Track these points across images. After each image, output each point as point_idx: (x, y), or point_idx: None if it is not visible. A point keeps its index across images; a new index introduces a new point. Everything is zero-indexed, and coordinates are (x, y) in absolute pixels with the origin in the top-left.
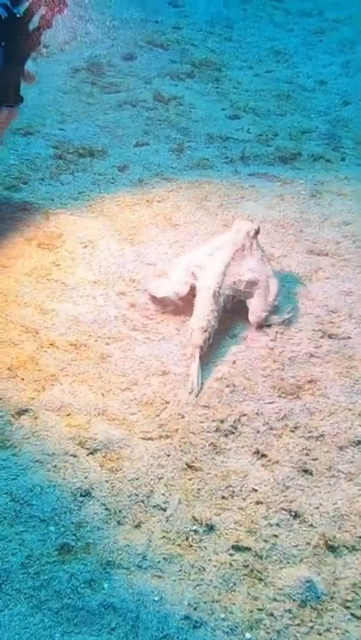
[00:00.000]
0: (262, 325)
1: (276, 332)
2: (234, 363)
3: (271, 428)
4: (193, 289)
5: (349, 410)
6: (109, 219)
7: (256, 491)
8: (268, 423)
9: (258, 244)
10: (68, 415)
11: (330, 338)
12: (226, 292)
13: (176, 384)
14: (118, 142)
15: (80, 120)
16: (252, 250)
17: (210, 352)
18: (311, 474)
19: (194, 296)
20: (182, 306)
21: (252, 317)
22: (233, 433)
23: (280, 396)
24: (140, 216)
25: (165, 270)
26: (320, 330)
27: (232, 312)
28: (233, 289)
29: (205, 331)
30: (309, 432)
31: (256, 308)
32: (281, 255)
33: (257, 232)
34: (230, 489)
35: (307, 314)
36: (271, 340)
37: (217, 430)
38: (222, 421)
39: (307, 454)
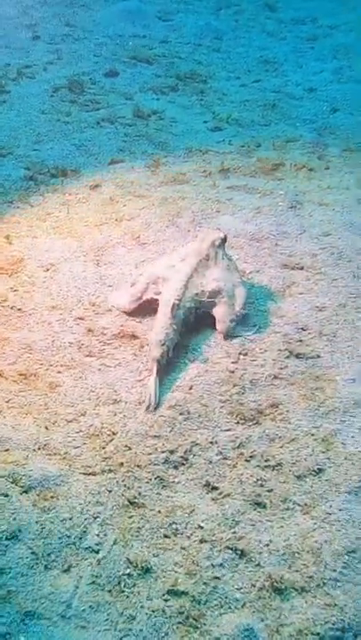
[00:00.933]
0: (231, 335)
1: (240, 354)
2: (190, 388)
3: (225, 458)
4: (152, 302)
5: (312, 435)
6: (76, 240)
7: (202, 527)
8: (221, 452)
9: (225, 253)
10: (6, 451)
11: (297, 358)
12: (187, 304)
13: (127, 413)
14: (93, 161)
15: (55, 140)
16: (217, 259)
17: (166, 376)
18: (264, 507)
19: (156, 309)
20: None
21: (220, 326)
22: (183, 464)
23: (238, 423)
24: (107, 236)
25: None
26: (287, 349)
27: (194, 330)
28: (195, 300)
29: (163, 344)
30: (266, 461)
31: (223, 316)
32: (253, 271)
33: (223, 240)
34: (174, 526)
35: (274, 332)
36: (233, 363)
37: (166, 462)
38: (172, 452)
39: (261, 485)
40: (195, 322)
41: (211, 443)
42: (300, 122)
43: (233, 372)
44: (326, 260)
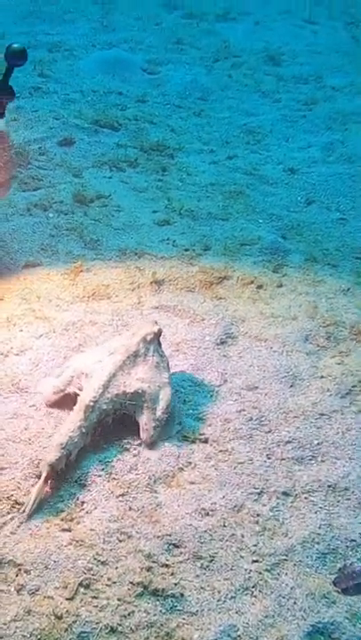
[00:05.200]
0: (153, 443)
1: (80, 585)
2: None
3: None
4: (74, 397)
5: None
6: None
7: None
8: None
9: (157, 349)
10: None
11: (153, 595)
12: (104, 406)
13: None
14: (7, 261)
15: None
16: (146, 356)
17: None
18: None
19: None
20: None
21: (143, 435)
22: None
23: None
24: None
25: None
26: (142, 582)
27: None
28: (115, 402)
29: (63, 448)
30: None
31: (146, 424)
32: (138, 453)
33: (157, 335)
34: None
35: (136, 551)
36: (67, 599)
37: None
38: None
39: None
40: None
41: None
42: (265, 217)
43: (61, 617)
44: (240, 428)
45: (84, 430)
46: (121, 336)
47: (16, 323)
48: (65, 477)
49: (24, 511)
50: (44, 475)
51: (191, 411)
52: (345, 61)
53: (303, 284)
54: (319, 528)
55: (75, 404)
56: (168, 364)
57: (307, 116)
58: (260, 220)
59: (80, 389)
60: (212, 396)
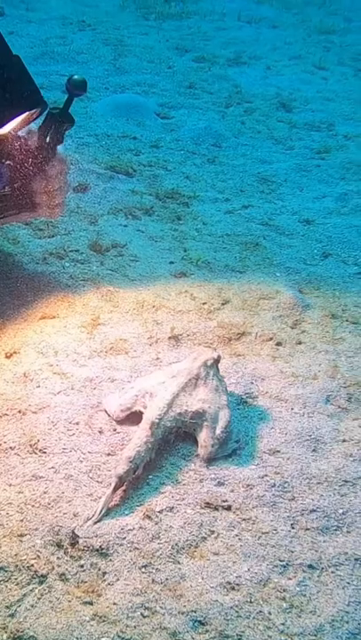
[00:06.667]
0: (211, 459)
1: None
2: None
3: None
4: (139, 415)
5: None
6: None
7: None
8: None
9: (216, 373)
10: None
11: None
12: (168, 423)
13: None
14: (23, 312)
15: None
16: (207, 379)
17: None
18: None
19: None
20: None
21: (202, 451)
22: None
23: None
24: (1, 437)
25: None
26: None
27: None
28: (178, 420)
29: (131, 461)
30: None
31: (205, 441)
32: (165, 508)
33: (216, 360)
34: None
35: (160, 628)
36: None
37: None
38: None
39: None
40: (175, 441)
41: None
42: (282, 270)
43: None
44: (263, 495)
45: (150, 445)
46: (183, 361)
47: (33, 378)
48: (85, 545)
49: (91, 517)
50: (112, 485)
51: (213, 475)
52: (356, 109)
53: (323, 342)
54: (348, 605)
55: (139, 422)
56: (226, 388)
57: (320, 166)
58: (278, 274)
59: (144, 407)
60: (233, 459)
